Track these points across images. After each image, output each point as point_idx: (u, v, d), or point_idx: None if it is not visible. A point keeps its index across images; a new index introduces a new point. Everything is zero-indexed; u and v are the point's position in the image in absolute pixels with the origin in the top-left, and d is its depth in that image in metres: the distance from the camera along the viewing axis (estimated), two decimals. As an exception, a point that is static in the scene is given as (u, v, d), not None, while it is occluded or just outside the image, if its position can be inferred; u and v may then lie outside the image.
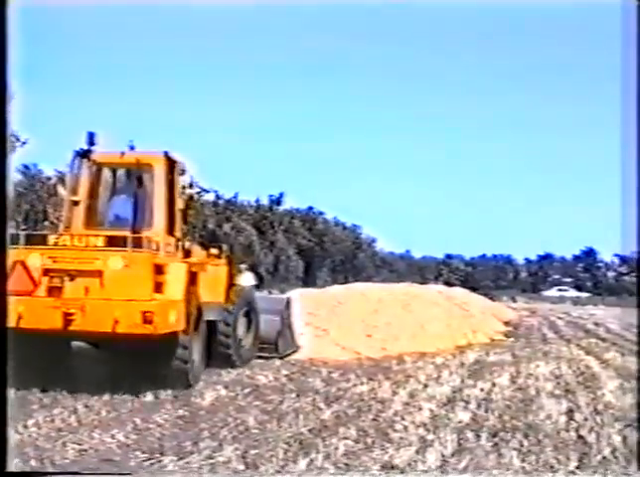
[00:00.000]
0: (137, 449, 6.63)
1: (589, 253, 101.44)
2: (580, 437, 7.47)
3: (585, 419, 8.33)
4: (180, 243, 10.67)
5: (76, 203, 10.50)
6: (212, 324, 11.23)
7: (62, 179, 30.81)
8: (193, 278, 10.29)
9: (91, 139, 10.34)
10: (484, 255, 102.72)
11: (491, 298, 36.32)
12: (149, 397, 9.11)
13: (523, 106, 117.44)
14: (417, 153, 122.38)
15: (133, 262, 9.11)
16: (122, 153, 10.66)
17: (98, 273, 9.16)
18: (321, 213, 63.47)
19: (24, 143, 21.83)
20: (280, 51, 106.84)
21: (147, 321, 8.89)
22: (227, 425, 7.62)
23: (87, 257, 9.21)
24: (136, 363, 9.82)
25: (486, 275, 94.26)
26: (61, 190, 31.42)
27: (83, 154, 10.52)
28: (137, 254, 9.17)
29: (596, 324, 25.95)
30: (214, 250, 12.00)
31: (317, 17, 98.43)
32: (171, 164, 10.67)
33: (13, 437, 6.71)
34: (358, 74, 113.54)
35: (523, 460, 6.54)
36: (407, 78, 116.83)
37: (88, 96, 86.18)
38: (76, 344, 10.76)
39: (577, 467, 6.42)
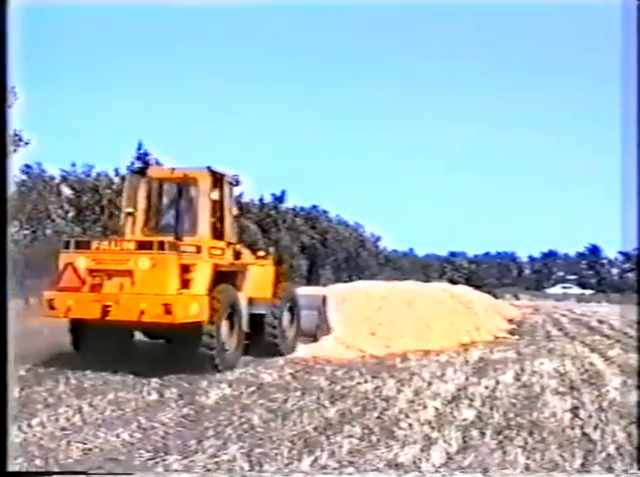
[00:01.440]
0: (142, 448, 6.64)
1: (593, 251, 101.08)
2: (585, 435, 7.48)
3: (590, 417, 8.33)
4: (232, 246, 12.28)
5: (130, 213, 12.08)
6: (259, 317, 12.74)
7: (65, 178, 30.90)
8: (224, 277, 11.60)
9: (145, 158, 11.91)
10: (488, 253, 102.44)
11: (495, 296, 36.23)
12: (154, 395, 9.14)
13: (524, 105, 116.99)
14: (419, 151, 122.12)
15: (159, 263, 10.52)
16: (172, 169, 12.33)
17: (130, 272, 10.60)
18: (325, 211, 63.43)
19: (27, 143, 21.87)
20: (281, 50, 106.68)
21: (168, 312, 10.27)
22: (231, 424, 7.63)
23: (122, 259, 10.68)
24: (177, 351, 11.41)
25: (490, 273, 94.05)
26: (64, 189, 31.50)
27: (139, 171, 12.39)
28: (163, 256, 10.58)
29: (600, 321, 25.88)
30: (260, 253, 13.75)
31: (323, 15, 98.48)
32: (216, 177, 12.00)
33: (17, 436, 6.74)
34: (359, 71, 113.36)
35: (527, 458, 6.55)
36: (409, 76, 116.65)
37: (90, 96, 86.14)
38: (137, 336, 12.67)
39: (582, 464, 6.42)
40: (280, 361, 12.52)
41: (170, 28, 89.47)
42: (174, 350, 11.76)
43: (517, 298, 56.62)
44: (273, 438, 7.05)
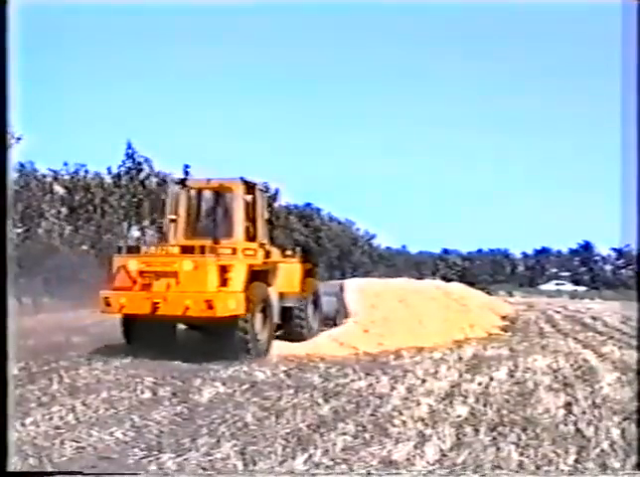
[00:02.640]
0: (135, 447, 6.63)
1: (586, 247, 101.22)
2: (579, 431, 7.48)
3: (583, 413, 8.34)
4: (263, 247, 13.45)
5: (173, 220, 13.36)
6: (289, 309, 14.09)
7: (57, 177, 30.85)
8: (257, 275, 12.83)
9: (186, 170, 13.29)
10: (481, 250, 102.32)
11: (488, 292, 36.26)
12: (147, 394, 9.13)
13: (521, 104, 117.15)
14: (414, 149, 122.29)
15: (201, 264, 11.78)
16: (209, 180, 13.47)
17: (176, 273, 11.85)
18: (318, 209, 63.33)
19: (19, 139, 21.88)
20: (278, 50, 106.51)
21: (210, 307, 11.59)
22: (225, 422, 7.62)
23: (168, 262, 11.93)
24: (217, 340, 12.54)
25: (483, 270, 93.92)
26: (57, 188, 31.43)
27: (180, 182, 13.48)
28: (204, 259, 11.81)
29: (594, 317, 25.92)
30: (289, 252, 14.93)
31: (317, 16, 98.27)
32: (248, 186, 13.24)
33: (11, 435, 6.72)
34: (355, 70, 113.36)
35: (521, 454, 6.55)
36: (405, 76, 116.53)
37: (85, 95, 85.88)
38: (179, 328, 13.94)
39: (576, 461, 6.42)
40: (274, 358, 12.51)
41: (168, 28, 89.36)
42: (214, 340, 12.90)
43: (510, 295, 56.72)
44: (267, 436, 7.04)
